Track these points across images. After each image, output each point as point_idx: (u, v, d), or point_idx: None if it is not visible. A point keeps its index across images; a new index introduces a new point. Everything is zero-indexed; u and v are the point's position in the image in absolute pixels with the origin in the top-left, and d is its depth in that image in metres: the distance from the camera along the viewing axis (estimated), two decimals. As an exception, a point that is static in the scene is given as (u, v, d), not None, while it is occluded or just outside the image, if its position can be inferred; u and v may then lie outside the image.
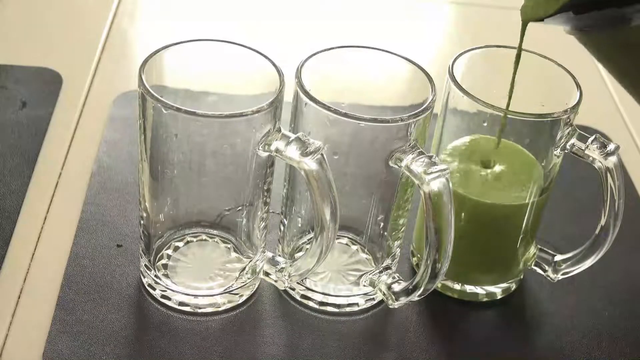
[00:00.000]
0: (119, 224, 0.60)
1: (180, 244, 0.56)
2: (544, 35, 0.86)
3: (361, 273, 0.56)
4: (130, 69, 0.77)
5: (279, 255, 0.57)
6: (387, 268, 0.56)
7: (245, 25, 0.87)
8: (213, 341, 0.54)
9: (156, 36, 0.84)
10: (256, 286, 0.57)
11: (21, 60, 0.75)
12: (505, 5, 0.93)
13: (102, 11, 0.85)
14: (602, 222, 0.55)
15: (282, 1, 0.93)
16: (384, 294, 0.54)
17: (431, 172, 0.49)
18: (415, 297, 0.52)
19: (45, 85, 0.73)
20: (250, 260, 0.55)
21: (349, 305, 0.57)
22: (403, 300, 0.53)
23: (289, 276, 0.54)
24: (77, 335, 0.53)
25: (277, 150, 0.49)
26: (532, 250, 0.58)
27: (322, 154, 0.48)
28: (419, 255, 0.60)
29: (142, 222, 0.54)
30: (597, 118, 0.76)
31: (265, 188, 0.53)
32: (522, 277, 0.60)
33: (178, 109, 0.48)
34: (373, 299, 0.57)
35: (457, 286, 0.58)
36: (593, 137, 0.53)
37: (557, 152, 0.54)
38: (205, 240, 0.57)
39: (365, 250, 0.57)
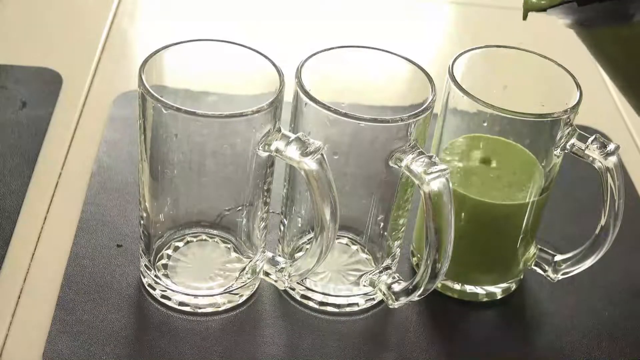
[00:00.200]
0: (119, 224, 0.60)
1: (180, 244, 0.56)
2: (544, 35, 0.86)
3: (361, 273, 0.56)
4: (130, 69, 0.77)
5: (279, 255, 0.57)
6: (387, 268, 0.56)
7: (245, 25, 0.87)
8: (213, 341, 0.54)
9: (156, 36, 0.84)
10: (256, 286, 0.57)
11: (21, 60, 0.75)
12: (505, 5, 0.93)
13: (102, 11, 0.85)
14: (602, 222, 0.55)
15: (282, 1, 0.93)
16: (384, 294, 0.54)
17: (431, 172, 0.49)
18: (415, 297, 0.52)
19: (45, 85, 0.73)
20: (250, 260, 0.55)
21: (349, 305, 0.57)
22: (403, 300, 0.53)
23: (289, 276, 0.54)
24: (77, 335, 0.53)
25: (277, 150, 0.49)
26: (532, 250, 0.58)
27: (322, 154, 0.48)
28: (419, 255, 0.60)
29: (142, 222, 0.54)
30: (597, 118, 0.76)
31: (265, 188, 0.53)
32: (522, 277, 0.60)
33: (178, 109, 0.48)
34: (373, 299, 0.57)
35: (457, 286, 0.58)
36: (593, 137, 0.53)
37: (557, 152, 0.54)
38: (205, 240, 0.57)
39: (365, 250, 0.57)
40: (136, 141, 0.53)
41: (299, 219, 0.56)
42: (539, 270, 0.59)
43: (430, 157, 0.49)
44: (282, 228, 0.57)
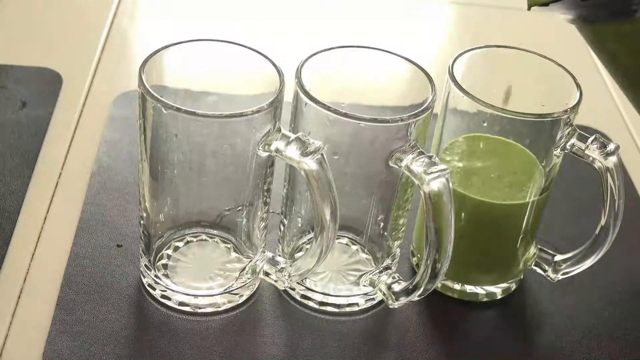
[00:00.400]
0: (119, 224, 0.60)
1: (180, 244, 0.56)
2: (544, 35, 0.86)
3: (361, 273, 0.56)
4: (130, 69, 0.77)
5: (279, 255, 0.57)
6: (387, 268, 0.56)
7: (245, 25, 0.87)
8: (213, 341, 0.54)
9: (156, 36, 0.84)
10: (256, 286, 0.57)
11: (21, 60, 0.75)
12: (505, 5, 0.93)
13: (102, 11, 0.85)
14: (602, 222, 0.55)
15: (282, 1, 0.93)
16: (384, 294, 0.54)
17: (431, 172, 0.49)
18: (415, 297, 0.52)
19: (45, 85, 0.73)
20: (250, 260, 0.55)
21: (349, 305, 0.57)
22: (403, 300, 0.53)
23: (289, 276, 0.54)
24: (77, 335, 0.53)
25: (277, 150, 0.49)
26: (532, 250, 0.58)
27: (322, 154, 0.48)
28: (419, 255, 0.60)
29: (142, 222, 0.55)
30: (597, 118, 0.76)
31: (265, 188, 0.53)
32: (522, 277, 0.60)
33: (178, 109, 0.48)
34: (373, 299, 0.57)
35: (457, 286, 0.58)
36: (593, 137, 0.53)
37: (557, 152, 0.54)
38: (205, 240, 0.57)
39: (365, 250, 0.57)
40: (136, 141, 0.53)
41: (299, 219, 0.56)
42: (539, 270, 0.59)
43: (430, 157, 0.49)
44: (282, 228, 0.57)
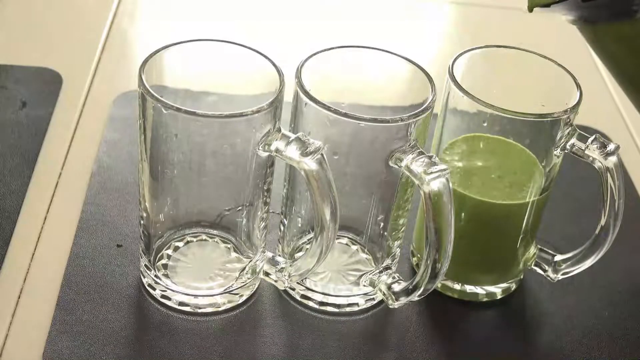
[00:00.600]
0: (119, 224, 0.60)
1: (180, 244, 0.56)
2: (544, 35, 0.86)
3: (361, 273, 0.56)
4: (130, 69, 0.77)
5: (279, 255, 0.57)
6: (387, 268, 0.56)
7: (245, 25, 0.87)
8: (213, 341, 0.54)
9: (156, 36, 0.84)
10: (256, 286, 0.57)
11: (21, 60, 0.75)
12: (505, 5, 0.93)
13: (102, 11, 0.85)
14: (602, 222, 0.55)
15: (282, 1, 0.93)
16: (384, 294, 0.54)
17: (431, 172, 0.49)
18: (415, 297, 0.52)
19: (45, 85, 0.73)
20: (250, 260, 0.55)
21: (349, 305, 0.57)
22: (403, 300, 0.53)
23: (289, 276, 0.54)
24: (77, 335, 0.53)
25: (277, 150, 0.49)
26: (532, 250, 0.58)
27: (322, 154, 0.48)
28: (419, 255, 0.60)
29: (142, 222, 0.54)
30: (597, 118, 0.76)
31: (265, 188, 0.53)
32: (522, 277, 0.60)
33: (178, 109, 0.48)
34: (373, 299, 0.57)
35: (457, 286, 0.58)
36: (593, 137, 0.53)
37: (557, 152, 0.54)
38: (205, 240, 0.57)
39: (365, 250, 0.57)
40: (136, 141, 0.53)
41: (299, 219, 0.56)
42: (539, 270, 0.59)
43: (430, 157, 0.49)
44: (282, 228, 0.57)
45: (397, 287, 0.54)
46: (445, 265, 0.50)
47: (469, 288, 0.58)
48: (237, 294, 0.56)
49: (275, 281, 0.55)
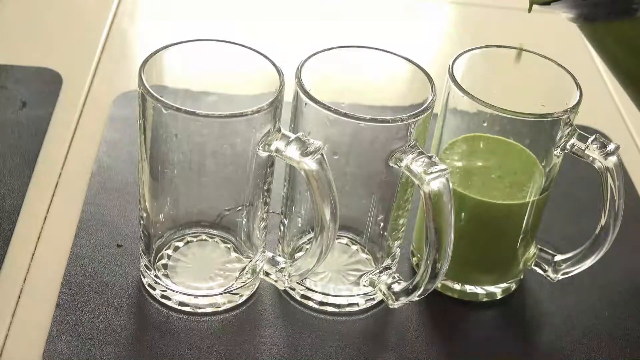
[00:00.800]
0: (119, 224, 0.60)
1: (180, 244, 0.56)
2: (544, 35, 0.86)
3: (361, 273, 0.56)
4: (130, 69, 0.77)
5: (279, 255, 0.57)
6: (387, 268, 0.56)
7: (245, 25, 0.87)
8: (213, 341, 0.54)
9: (156, 36, 0.84)
10: (256, 286, 0.57)
11: (21, 60, 0.75)
12: (505, 5, 0.93)
13: (102, 11, 0.85)
14: (602, 222, 0.55)
15: (282, 1, 0.93)
16: (384, 294, 0.54)
17: (431, 172, 0.49)
18: (415, 297, 0.52)
19: (45, 85, 0.73)
20: (250, 260, 0.55)
21: (349, 305, 0.57)
22: (403, 300, 0.53)
23: (289, 276, 0.54)
24: (77, 335, 0.53)
25: (277, 150, 0.49)
26: (532, 250, 0.58)
27: (322, 154, 0.48)
28: (419, 255, 0.60)
29: (142, 222, 0.55)
30: (597, 118, 0.76)
31: (265, 188, 0.53)
32: (522, 277, 0.60)
33: (178, 109, 0.48)
34: (373, 299, 0.57)
35: (457, 286, 0.58)
36: (593, 137, 0.53)
37: (557, 152, 0.54)
38: (205, 240, 0.57)
39: (365, 250, 0.57)
40: (136, 141, 0.53)
41: (299, 219, 0.56)
42: (539, 270, 0.59)
43: (430, 157, 0.49)
44: (282, 228, 0.57)
45: (397, 287, 0.54)
46: (445, 265, 0.50)
47: (469, 288, 0.58)
48: (237, 294, 0.56)
49: (275, 281, 0.55)
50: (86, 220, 0.60)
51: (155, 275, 0.55)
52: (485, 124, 0.54)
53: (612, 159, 0.53)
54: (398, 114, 0.51)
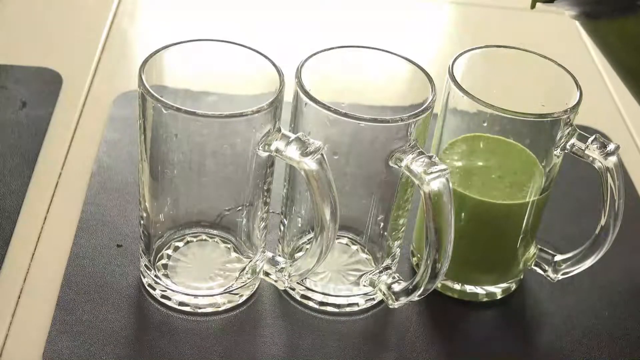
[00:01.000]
0: (119, 224, 0.60)
1: (180, 244, 0.56)
2: (544, 35, 0.86)
3: (361, 273, 0.56)
4: (130, 69, 0.77)
5: (279, 255, 0.57)
6: (387, 268, 0.56)
7: (245, 25, 0.87)
8: (213, 341, 0.54)
9: (156, 36, 0.84)
10: (256, 286, 0.57)
11: (21, 60, 0.75)
12: (505, 5, 0.93)
13: (102, 11, 0.85)
14: (602, 222, 0.55)
15: (282, 2, 0.93)
16: (384, 294, 0.54)
17: (431, 172, 0.49)
18: (415, 297, 0.52)
19: (45, 85, 0.73)
20: (250, 260, 0.55)
21: (349, 305, 0.57)
22: (403, 300, 0.53)
23: (289, 276, 0.54)
24: (77, 335, 0.53)
25: (277, 150, 0.49)
26: (532, 250, 0.58)
27: (322, 154, 0.48)
28: (419, 255, 0.60)
29: (142, 222, 0.55)
30: (597, 118, 0.76)
31: (265, 188, 0.53)
32: (522, 277, 0.60)
33: (178, 109, 0.48)
34: (373, 299, 0.57)
35: (457, 286, 0.58)
36: (593, 137, 0.53)
37: (557, 152, 0.54)
38: (205, 240, 0.57)
39: (365, 250, 0.57)
40: (136, 141, 0.53)
41: (299, 219, 0.56)
42: (539, 270, 0.59)
43: (430, 157, 0.49)
44: (282, 228, 0.57)
45: (397, 287, 0.54)
46: (445, 265, 0.50)
47: (469, 288, 0.58)
48: (237, 294, 0.56)
49: (275, 281, 0.55)
50: (86, 220, 0.60)
51: (155, 275, 0.55)
52: (485, 124, 0.54)
53: (612, 159, 0.53)
54: (398, 114, 0.51)
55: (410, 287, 0.53)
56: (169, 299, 0.55)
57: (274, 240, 0.59)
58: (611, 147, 0.53)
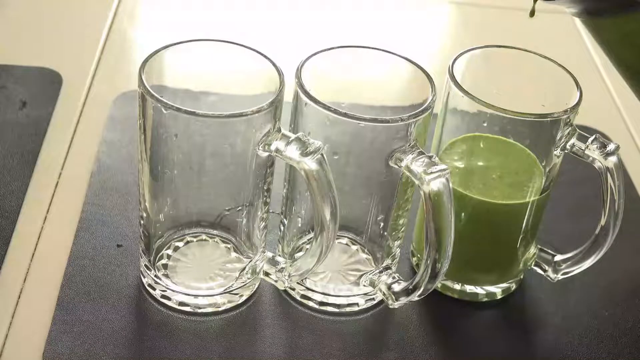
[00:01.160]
0: (119, 224, 0.60)
1: (180, 244, 0.56)
2: (544, 35, 0.86)
3: (361, 273, 0.56)
4: (130, 69, 0.77)
5: (279, 255, 0.57)
6: (387, 268, 0.56)
7: (245, 25, 0.87)
8: (213, 341, 0.54)
9: (156, 36, 0.84)
10: (256, 286, 0.57)
11: (21, 60, 0.75)
12: (505, 5, 0.93)
13: (102, 11, 0.85)
14: (602, 222, 0.55)
15: (283, 2, 0.93)
16: (384, 294, 0.54)
17: (431, 172, 0.49)
18: (415, 297, 0.52)
19: (45, 85, 0.73)
20: (250, 260, 0.55)
21: (349, 305, 0.57)
22: (403, 300, 0.53)
23: (289, 276, 0.54)
24: (77, 335, 0.53)
25: (277, 150, 0.49)
26: (532, 250, 0.58)
27: (322, 154, 0.48)
28: (419, 255, 0.60)
29: (142, 222, 0.55)
30: (597, 118, 0.76)
31: (265, 188, 0.53)
32: (522, 277, 0.60)
33: (178, 109, 0.48)
34: (373, 299, 0.57)
35: (457, 286, 0.58)
36: (593, 137, 0.53)
37: (557, 152, 0.54)
38: (205, 240, 0.57)
39: (365, 250, 0.57)
40: (136, 141, 0.53)
41: (299, 219, 0.56)
42: (539, 270, 0.59)
43: (430, 157, 0.49)
44: (282, 228, 0.57)
45: (397, 287, 0.54)
46: (445, 265, 0.50)
47: (469, 288, 0.58)
48: (237, 294, 0.56)
49: (275, 281, 0.55)
50: (86, 220, 0.60)
51: (155, 275, 0.55)
52: (485, 124, 0.54)
53: (612, 159, 0.53)
54: (398, 114, 0.51)
55: (410, 287, 0.53)
56: (169, 299, 0.55)
57: (274, 240, 0.59)
58: (611, 147, 0.53)
